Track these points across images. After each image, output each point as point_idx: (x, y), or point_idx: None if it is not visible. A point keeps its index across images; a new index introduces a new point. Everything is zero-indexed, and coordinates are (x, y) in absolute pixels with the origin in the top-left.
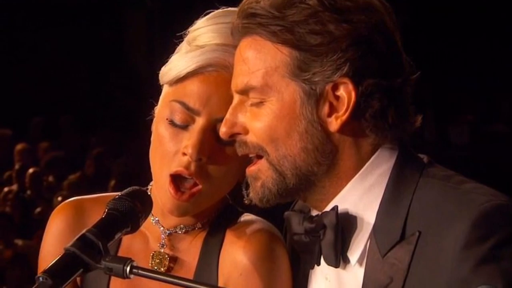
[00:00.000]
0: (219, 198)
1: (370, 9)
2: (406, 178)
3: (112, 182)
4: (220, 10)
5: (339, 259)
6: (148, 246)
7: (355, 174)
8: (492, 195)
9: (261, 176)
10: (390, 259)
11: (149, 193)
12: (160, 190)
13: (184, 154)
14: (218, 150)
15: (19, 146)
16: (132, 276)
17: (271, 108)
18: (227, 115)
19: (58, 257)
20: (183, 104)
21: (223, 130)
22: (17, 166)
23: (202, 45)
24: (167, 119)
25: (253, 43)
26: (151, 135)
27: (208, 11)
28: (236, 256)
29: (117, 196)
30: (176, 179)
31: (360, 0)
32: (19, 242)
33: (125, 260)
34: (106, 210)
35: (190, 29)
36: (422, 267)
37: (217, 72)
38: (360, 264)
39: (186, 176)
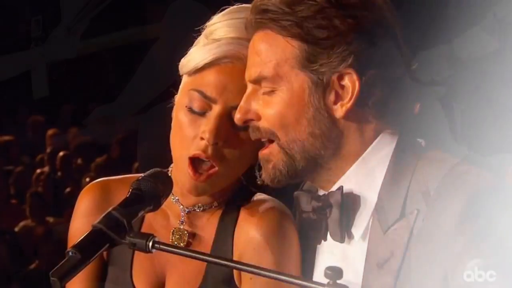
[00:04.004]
0: (234, 179)
1: (372, 5)
2: (406, 161)
3: (136, 165)
4: (235, 7)
5: (344, 235)
6: (169, 223)
7: (359, 157)
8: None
9: (272, 158)
10: (391, 235)
11: (169, 175)
12: (179, 171)
13: (202, 138)
14: (233, 135)
15: (50, 131)
16: (154, 250)
17: (281, 96)
18: (241, 103)
19: (86, 233)
20: (201, 92)
21: (237, 116)
22: (48, 150)
23: (218, 39)
24: (186, 106)
25: (265, 37)
26: (171, 121)
27: (224, 7)
28: (249, 232)
29: (140, 177)
30: (195, 162)
31: None
32: (50, 219)
33: (148, 236)
34: (130, 190)
35: (207, 24)
36: (420, 242)
37: (232, 63)
38: (364, 240)
39: (204, 158)
